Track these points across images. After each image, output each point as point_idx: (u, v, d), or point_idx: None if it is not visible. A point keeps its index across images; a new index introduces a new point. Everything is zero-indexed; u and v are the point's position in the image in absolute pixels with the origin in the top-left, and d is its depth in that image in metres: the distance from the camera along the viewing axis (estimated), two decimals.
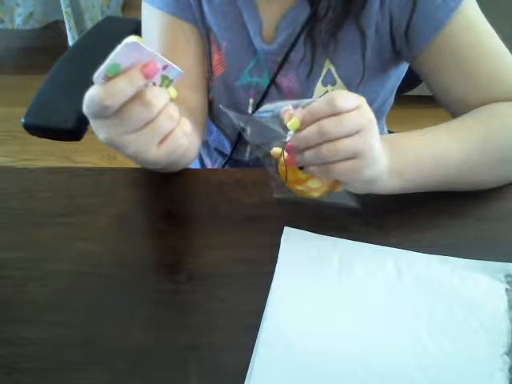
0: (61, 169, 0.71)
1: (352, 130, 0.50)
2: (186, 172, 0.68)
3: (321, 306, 0.53)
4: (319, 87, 0.73)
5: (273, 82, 0.74)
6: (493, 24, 0.66)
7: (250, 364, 0.48)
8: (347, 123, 0.50)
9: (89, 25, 2.18)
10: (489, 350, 0.49)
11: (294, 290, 0.54)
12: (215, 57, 0.75)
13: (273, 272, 0.56)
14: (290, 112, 0.52)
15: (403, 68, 0.79)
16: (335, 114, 0.50)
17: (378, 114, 0.83)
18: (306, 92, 0.74)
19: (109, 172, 0.70)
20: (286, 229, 0.60)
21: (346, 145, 0.50)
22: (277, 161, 0.55)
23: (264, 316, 0.52)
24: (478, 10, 0.65)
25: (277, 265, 0.56)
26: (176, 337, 0.51)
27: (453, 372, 0.47)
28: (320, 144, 0.50)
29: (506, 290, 0.54)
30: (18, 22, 2.24)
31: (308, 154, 0.52)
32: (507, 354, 0.48)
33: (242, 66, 0.75)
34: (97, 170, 0.70)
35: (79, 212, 0.65)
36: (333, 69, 0.72)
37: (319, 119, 0.50)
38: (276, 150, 0.55)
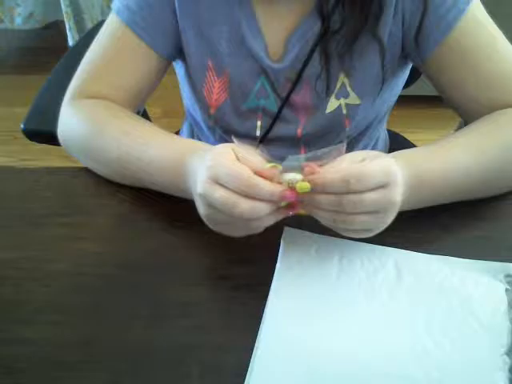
0: (61, 169, 0.71)
1: (370, 210, 0.49)
2: None
3: (321, 306, 0.53)
4: (333, 100, 0.73)
5: (286, 100, 0.73)
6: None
7: (250, 364, 0.48)
8: (367, 204, 0.49)
9: (89, 25, 2.18)
10: (489, 350, 0.49)
11: (294, 290, 0.54)
12: (215, 85, 0.74)
13: (273, 272, 0.56)
14: (311, 169, 0.50)
15: (408, 70, 0.79)
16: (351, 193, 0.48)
17: (383, 116, 0.84)
18: (318, 106, 0.73)
19: None
20: (286, 229, 0.60)
21: (361, 221, 0.50)
22: None
23: (264, 316, 0.52)
24: (485, 12, 0.66)
25: (277, 265, 0.56)
26: (176, 337, 0.51)
27: (453, 372, 0.47)
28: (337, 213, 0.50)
29: (506, 290, 0.54)
30: (18, 21, 2.24)
31: (321, 214, 0.52)
32: (507, 354, 0.48)
33: (248, 90, 0.74)
34: None
35: (79, 212, 0.65)
36: (346, 82, 0.71)
37: (331, 194, 0.49)
38: (287, 178, 0.52)
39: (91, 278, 0.57)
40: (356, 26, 0.65)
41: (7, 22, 2.24)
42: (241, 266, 0.57)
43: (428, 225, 0.61)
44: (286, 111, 0.75)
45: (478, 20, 0.65)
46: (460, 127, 0.72)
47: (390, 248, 0.58)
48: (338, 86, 0.71)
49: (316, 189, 0.50)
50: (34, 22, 2.25)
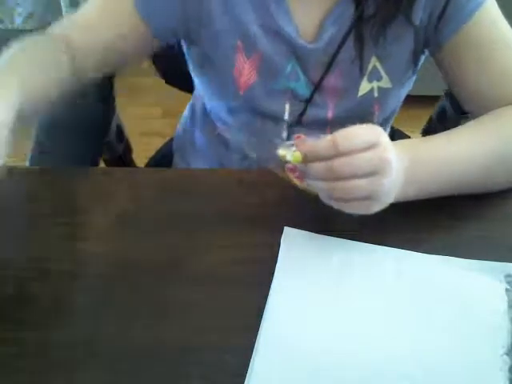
0: (61, 169, 0.71)
1: (365, 172, 0.49)
2: (185, 172, 0.68)
3: (321, 306, 0.53)
4: (364, 84, 0.73)
5: (319, 84, 0.73)
6: None
7: (250, 364, 0.48)
8: (359, 165, 0.49)
9: None
10: (489, 350, 0.49)
11: (293, 290, 0.54)
12: (246, 66, 0.73)
13: (273, 272, 0.56)
14: (302, 139, 0.52)
15: (419, 64, 0.79)
16: (340, 155, 0.49)
17: (395, 113, 0.84)
18: (349, 90, 0.73)
19: (109, 172, 0.70)
20: (286, 229, 0.60)
21: (358, 187, 0.50)
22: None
23: (264, 316, 0.52)
24: (499, 10, 0.67)
25: (277, 265, 0.56)
26: (176, 337, 0.51)
27: (453, 372, 0.47)
28: (333, 180, 0.50)
29: (506, 289, 0.54)
30: (18, 22, 2.24)
31: (321, 185, 0.52)
32: (507, 354, 0.48)
33: (279, 72, 0.73)
34: (97, 170, 0.70)
35: (79, 212, 0.65)
36: (378, 64, 0.72)
37: (323, 158, 0.50)
38: (281, 152, 0.53)
39: (91, 278, 0.57)
40: (390, 10, 0.66)
41: (7, 22, 2.24)
42: (241, 265, 0.57)
43: (428, 225, 0.61)
44: (316, 95, 0.75)
45: (493, 16, 0.67)
46: None
47: (390, 248, 0.58)
48: (370, 68, 0.72)
49: (308, 158, 0.51)
50: (34, 22, 2.26)
